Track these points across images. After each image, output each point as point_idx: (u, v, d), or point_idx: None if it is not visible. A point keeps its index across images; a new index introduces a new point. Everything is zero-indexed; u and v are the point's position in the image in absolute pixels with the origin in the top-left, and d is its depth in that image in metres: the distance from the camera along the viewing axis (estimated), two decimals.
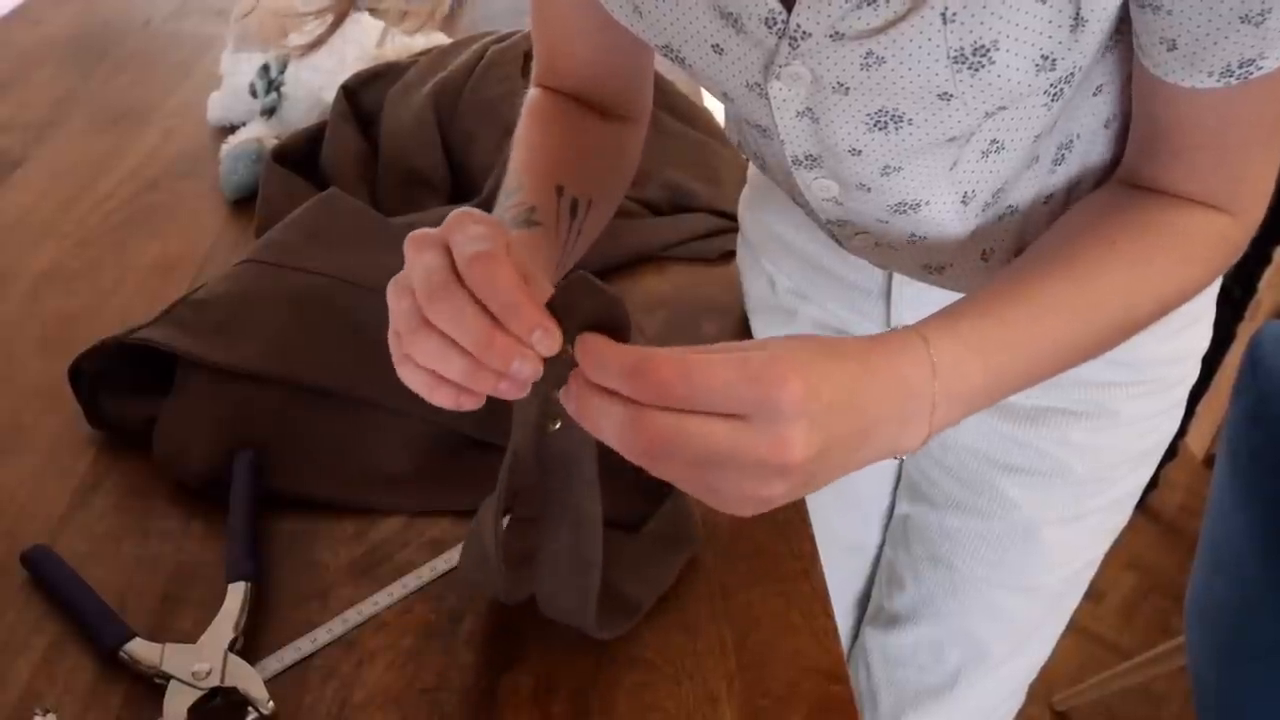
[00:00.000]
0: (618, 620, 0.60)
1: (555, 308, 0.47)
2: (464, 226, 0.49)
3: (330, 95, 1.03)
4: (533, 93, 0.73)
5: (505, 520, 0.59)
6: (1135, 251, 0.57)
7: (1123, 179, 0.61)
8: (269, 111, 1.06)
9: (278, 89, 1.06)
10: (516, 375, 0.46)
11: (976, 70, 0.52)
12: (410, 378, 0.49)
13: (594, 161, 0.70)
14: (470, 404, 0.49)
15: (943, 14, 0.50)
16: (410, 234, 0.49)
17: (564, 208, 0.60)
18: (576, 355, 0.46)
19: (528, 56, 1.03)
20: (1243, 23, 0.48)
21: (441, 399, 0.49)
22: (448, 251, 0.48)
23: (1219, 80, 0.51)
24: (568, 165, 0.66)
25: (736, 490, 0.46)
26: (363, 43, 1.10)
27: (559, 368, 0.47)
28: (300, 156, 0.98)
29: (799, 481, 0.45)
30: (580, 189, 0.62)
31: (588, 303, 0.47)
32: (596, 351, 0.45)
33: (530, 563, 0.58)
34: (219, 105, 1.11)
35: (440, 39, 1.14)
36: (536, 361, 0.46)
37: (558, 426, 0.51)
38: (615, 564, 0.60)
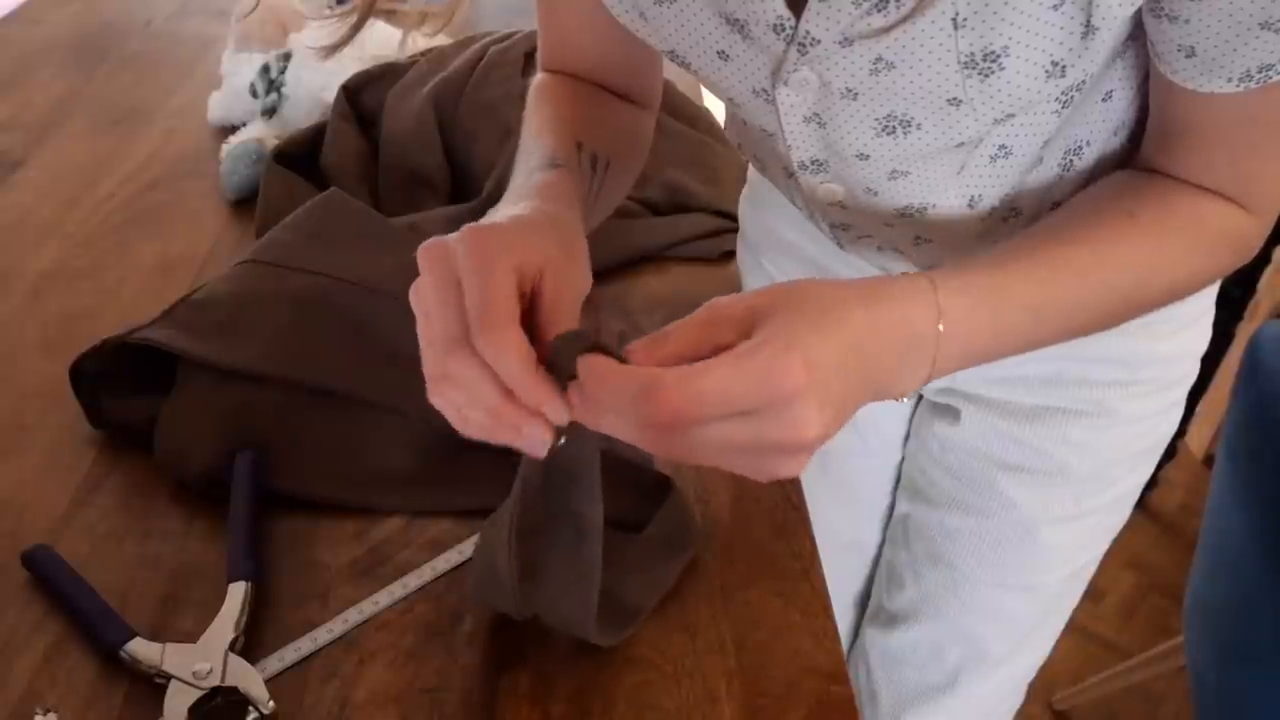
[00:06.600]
0: (618, 626, 0.60)
1: (555, 354, 0.48)
2: (472, 270, 0.47)
3: (330, 95, 1.03)
4: (540, 76, 0.72)
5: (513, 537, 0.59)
6: (1154, 228, 0.57)
7: (1141, 166, 0.61)
8: (269, 112, 1.06)
9: (278, 89, 1.06)
10: (529, 439, 0.48)
11: (986, 76, 0.52)
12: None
13: (609, 129, 0.69)
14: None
15: (953, 19, 0.50)
16: (421, 250, 0.49)
17: (584, 162, 0.59)
18: (581, 378, 0.46)
19: (528, 57, 1.03)
20: (1263, 29, 0.48)
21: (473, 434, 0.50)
22: (460, 295, 0.47)
23: (1238, 85, 0.51)
24: (584, 126, 0.65)
25: (764, 468, 0.46)
26: (363, 43, 1.10)
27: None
28: (301, 156, 0.98)
29: (819, 445, 0.46)
30: (598, 148, 0.61)
31: (582, 346, 0.48)
32: (602, 378, 0.45)
33: (535, 575, 0.58)
34: (220, 105, 1.11)
35: (440, 39, 1.14)
36: (547, 430, 0.48)
37: (562, 441, 0.51)
38: (615, 568, 0.59)
